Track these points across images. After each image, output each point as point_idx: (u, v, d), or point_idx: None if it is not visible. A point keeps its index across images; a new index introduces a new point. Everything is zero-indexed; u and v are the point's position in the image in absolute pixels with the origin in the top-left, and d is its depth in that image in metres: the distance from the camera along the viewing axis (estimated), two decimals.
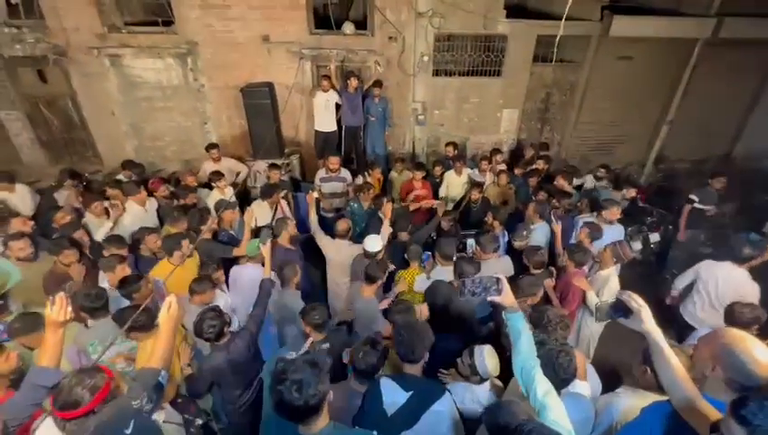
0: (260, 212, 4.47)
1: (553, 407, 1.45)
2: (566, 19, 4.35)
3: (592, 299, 3.06)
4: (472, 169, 5.71)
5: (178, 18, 5.61)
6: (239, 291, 3.46)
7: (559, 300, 3.32)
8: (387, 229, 3.71)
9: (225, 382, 2.51)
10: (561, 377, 1.61)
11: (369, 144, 6.33)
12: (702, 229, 5.03)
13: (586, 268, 3.40)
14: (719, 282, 3.29)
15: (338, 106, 5.96)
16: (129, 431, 1.18)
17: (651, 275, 5.18)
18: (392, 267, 3.48)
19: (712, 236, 4.85)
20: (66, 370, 1.84)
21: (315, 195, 4.13)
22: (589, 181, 5.57)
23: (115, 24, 5.68)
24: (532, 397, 1.51)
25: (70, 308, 1.67)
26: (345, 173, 5.30)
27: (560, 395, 1.69)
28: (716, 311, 3.21)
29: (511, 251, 3.93)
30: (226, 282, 3.53)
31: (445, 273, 3.26)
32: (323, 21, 5.93)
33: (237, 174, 5.76)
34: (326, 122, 6.01)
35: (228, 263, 3.62)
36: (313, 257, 4.26)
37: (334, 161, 5.10)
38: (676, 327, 3.65)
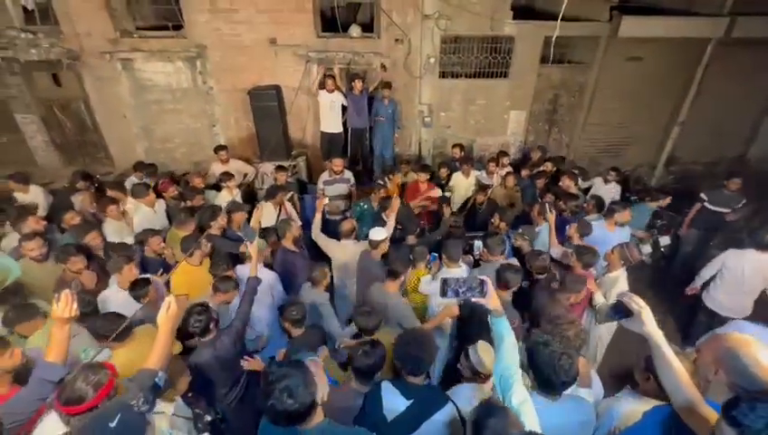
0: (264, 213, 4.52)
1: (528, 416, 1.44)
2: (574, 20, 4.35)
3: (599, 301, 3.02)
4: (479, 171, 5.68)
5: (188, 22, 5.71)
6: (242, 289, 3.49)
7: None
8: (391, 223, 3.71)
9: (213, 378, 2.54)
10: (561, 380, 1.59)
11: (378, 146, 6.34)
12: (712, 231, 4.93)
13: (593, 270, 3.35)
14: (745, 269, 3.49)
15: (344, 108, 6.00)
16: (113, 425, 1.20)
17: (662, 278, 5.09)
18: None
19: (724, 240, 4.74)
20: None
21: (325, 201, 4.15)
22: (597, 184, 5.50)
23: (127, 29, 5.81)
24: (507, 403, 1.51)
25: (75, 305, 1.71)
26: (348, 174, 5.31)
27: (560, 397, 1.68)
28: (744, 296, 3.60)
29: (518, 254, 3.90)
30: None
31: (450, 275, 3.25)
32: (330, 24, 5.98)
33: (245, 175, 5.83)
34: (331, 124, 6.05)
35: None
36: (319, 260, 4.27)
37: (338, 163, 5.12)
38: (700, 316, 3.83)
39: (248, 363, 2.61)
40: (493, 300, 1.60)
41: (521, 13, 6.02)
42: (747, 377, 1.32)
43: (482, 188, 4.92)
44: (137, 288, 2.88)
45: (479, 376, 2.21)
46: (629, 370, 2.16)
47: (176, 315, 1.78)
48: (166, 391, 2.06)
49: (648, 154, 7.50)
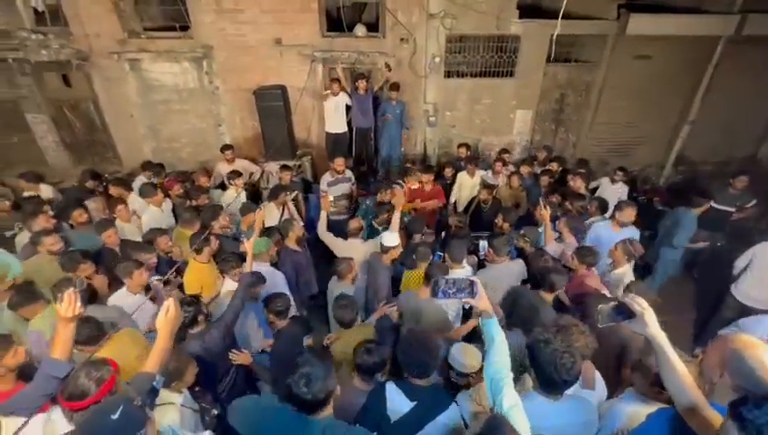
0: (267, 213, 4.54)
1: (518, 421, 1.42)
2: (581, 18, 4.31)
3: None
4: (485, 170, 5.66)
5: (194, 23, 5.76)
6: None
7: (572, 302, 3.25)
8: (397, 219, 3.70)
9: (202, 371, 2.55)
10: (563, 378, 1.57)
11: (385, 146, 6.33)
12: (718, 230, 4.86)
13: (594, 269, 3.31)
14: None
15: (348, 108, 6.00)
16: (115, 417, 1.22)
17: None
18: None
19: (731, 241, 4.67)
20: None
21: (331, 198, 4.16)
22: (604, 184, 5.43)
23: (134, 30, 5.87)
24: (497, 406, 1.49)
25: (79, 304, 1.73)
26: (349, 173, 5.33)
27: (561, 397, 1.66)
28: None
29: (522, 255, 3.87)
30: None
31: (452, 276, 3.24)
32: (335, 23, 5.99)
33: (251, 175, 5.86)
34: (336, 124, 6.06)
35: None
36: (322, 260, 4.29)
37: (340, 162, 5.13)
38: (725, 313, 3.83)
39: (236, 357, 2.64)
40: (482, 301, 1.59)
41: (527, 11, 5.98)
42: (753, 380, 1.29)
43: (487, 187, 4.89)
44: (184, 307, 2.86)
45: (469, 377, 2.20)
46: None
47: (174, 319, 1.77)
48: (174, 382, 2.09)
49: (656, 154, 7.40)
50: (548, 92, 6.73)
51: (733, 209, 4.79)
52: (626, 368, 2.20)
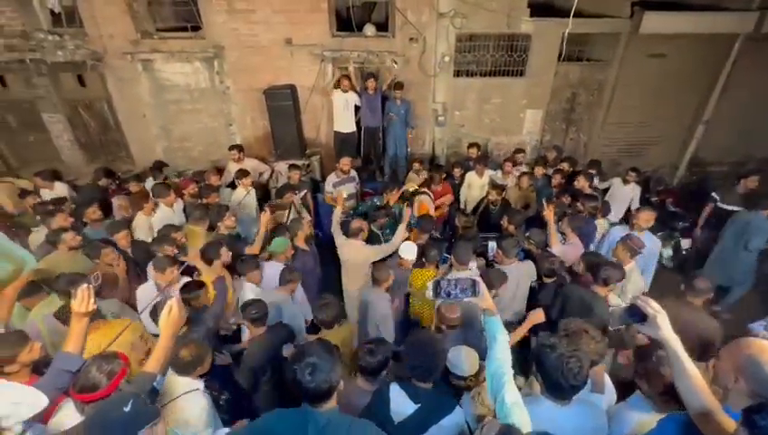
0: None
1: (519, 418, 1.41)
2: (594, 16, 4.24)
3: (614, 301, 2.95)
4: (494, 170, 5.62)
5: (206, 23, 5.82)
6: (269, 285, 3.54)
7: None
8: (402, 232, 3.70)
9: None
10: (570, 384, 1.55)
11: (391, 146, 6.33)
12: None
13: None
14: None
15: (357, 107, 6.01)
16: (127, 409, 1.24)
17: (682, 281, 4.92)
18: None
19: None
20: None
21: (345, 194, 4.15)
22: (616, 184, 5.36)
23: (147, 31, 5.96)
24: (499, 404, 1.48)
25: (92, 299, 1.76)
26: (354, 173, 5.34)
27: (569, 402, 1.64)
28: None
29: (530, 256, 3.83)
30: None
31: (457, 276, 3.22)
32: (345, 23, 6.00)
33: (261, 174, 5.91)
34: (345, 123, 6.07)
35: None
36: (332, 259, 4.30)
37: (345, 162, 5.14)
38: None
39: (218, 359, 2.66)
40: (485, 300, 1.59)
41: (538, 10, 5.91)
42: None
43: (496, 187, 4.86)
44: (187, 292, 2.86)
45: (467, 380, 2.19)
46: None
47: (177, 320, 1.76)
48: (195, 369, 2.13)
49: (670, 154, 7.27)
50: (559, 92, 6.66)
51: (740, 209, 4.68)
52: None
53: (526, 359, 1.96)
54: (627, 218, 5.25)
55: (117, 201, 4.75)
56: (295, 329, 3.03)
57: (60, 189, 5.05)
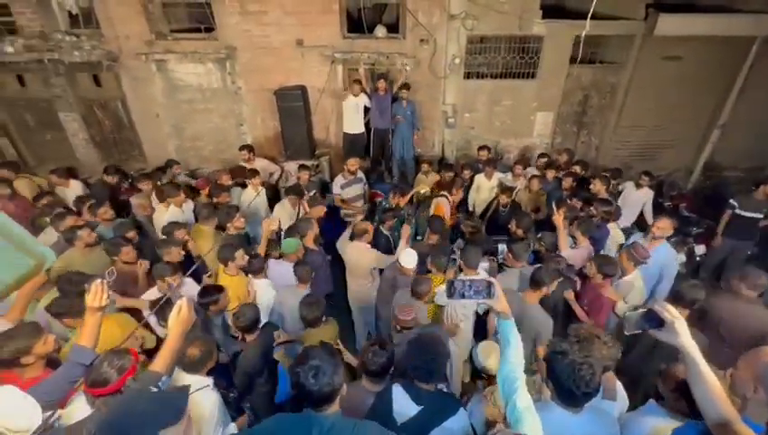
0: (283, 213, 4.59)
1: (530, 424, 1.39)
2: (608, 18, 4.20)
3: (623, 309, 2.90)
4: (504, 173, 5.58)
5: (219, 25, 5.89)
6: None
7: (586, 312, 3.17)
8: (403, 247, 3.66)
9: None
10: (582, 391, 1.52)
11: (398, 147, 6.33)
12: (747, 238, 4.65)
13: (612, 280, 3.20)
14: None
15: (366, 109, 6.02)
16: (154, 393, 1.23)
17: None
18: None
19: (763, 250, 4.46)
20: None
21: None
22: (629, 188, 5.27)
23: (162, 32, 6.05)
24: (510, 408, 1.46)
25: (106, 295, 1.78)
26: (361, 174, 5.35)
27: (581, 410, 1.61)
28: None
29: (540, 258, 3.80)
30: None
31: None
32: (356, 25, 6.02)
33: (271, 174, 5.94)
34: (354, 125, 6.09)
35: None
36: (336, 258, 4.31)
37: (353, 163, 5.15)
38: None
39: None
40: (500, 302, 1.56)
41: (550, 12, 5.87)
42: None
43: (506, 190, 4.81)
44: (206, 296, 2.87)
45: (485, 377, 2.18)
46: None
47: (186, 320, 1.73)
48: (205, 365, 2.14)
49: (684, 158, 7.14)
50: (570, 94, 6.59)
51: (761, 216, 4.58)
52: None
53: None
54: (639, 223, 5.19)
55: (136, 200, 4.79)
56: None
57: (75, 187, 5.14)
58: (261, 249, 3.75)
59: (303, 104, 5.92)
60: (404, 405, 1.87)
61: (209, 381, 2.12)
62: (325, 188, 5.89)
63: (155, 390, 1.44)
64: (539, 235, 3.77)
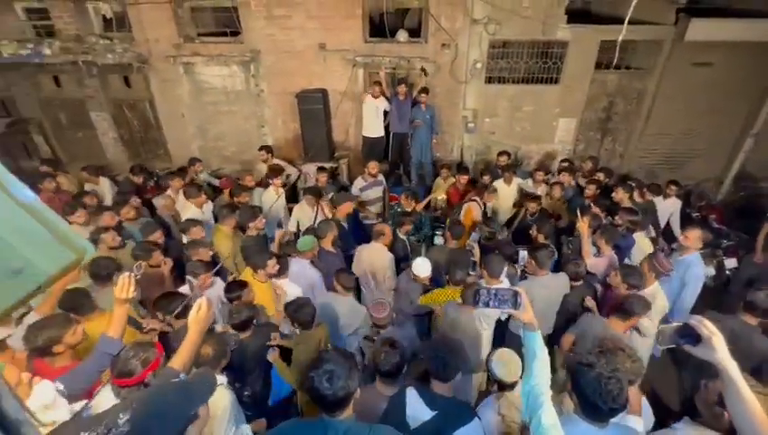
0: (302, 214, 4.64)
1: None
2: (636, 23, 4.11)
3: (646, 325, 2.80)
4: (523, 178, 5.50)
5: (245, 28, 6.03)
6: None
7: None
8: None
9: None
10: (609, 406, 1.47)
11: (416, 151, 6.32)
12: None
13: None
14: None
15: (386, 113, 6.04)
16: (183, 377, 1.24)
17: (727, 302, 4.63)
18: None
19: None
20: None
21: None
22: (656, 199, 5.09)
23: (190, 35, 6.24)
24: (535, 424, 1.41)
25: (132, 287, 1.84)
26: (381, 177, 5.36)
27: (607, 425, 1.56)
28: None
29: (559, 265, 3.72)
30: None
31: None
32: (378, 29, 6.07)
33: (287, 176, 6.01)
34: (374, 128, 6.12)
35: None
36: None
37: (373, 166, 5.17)
38: None
39: None
40: (527, 313, 1.51)
41: (575, 17, 5.78)
42: None
43: (534, 198, 4.71)
44: (231, 291, 2.94)
45: (505, 387, 2.14)
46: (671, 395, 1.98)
47: (206, 318, 1.71)
48: (220, 363, 2.17)
49: (713, 168, 6.88)
50: (595, 100, 6.45)
51: None
52: None
53: None
54: (665, 234, 5.02)
55: (161, 201, 4.92)
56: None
57: (104, 184, 5.34)
58: (275, 248, 3.81)
59: (324, 107, 5.99)
60: (417, 409, 1.85)
61: (223, 379, 2.14)
62: (343, 190, 5.92)
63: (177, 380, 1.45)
64: (569, 239, 3.70)
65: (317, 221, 4.49)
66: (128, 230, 4.00)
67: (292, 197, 5.90)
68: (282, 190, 4.98)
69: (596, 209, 4.31)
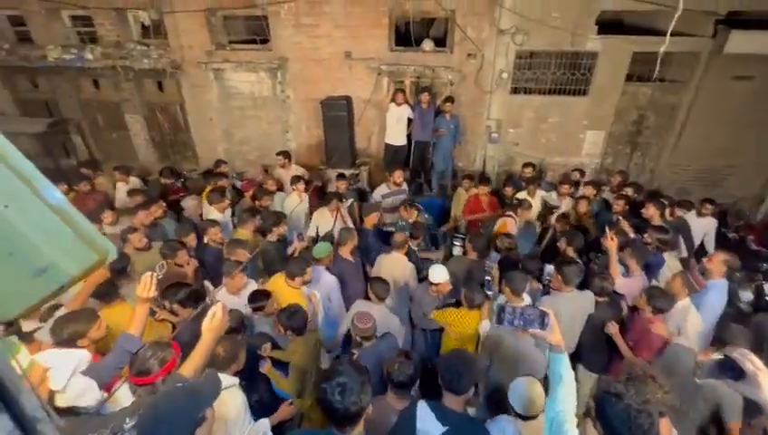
0: (321, 220, 4.66)
1: None
2: (672, 34, 3.98)
3: (680, 340, 2.64)
4: (547, 191, 5.36)
5: (273, 36, 6.19)
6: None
7: (630, 347, 2.90)
8: None
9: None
10: None
11: (438, 160, 6.28)
12: None
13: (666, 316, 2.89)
14: None
15: (409, 121, 6.04)
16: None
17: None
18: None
19: None
20: None
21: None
22: (689, 217, 4.85)
23: (221, 42, 6.45)
24: None
25: (154, 287, 1.88)
26: (405, 186, 5.34)
27: None
28: None
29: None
30: None
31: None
32: (403, 38, 6.10)
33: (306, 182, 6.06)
34: (397, 136, 6.12)
35: None
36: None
37: (398, 175, 5.14)
38: None
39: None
40: (554, 335, 1.44)
41: (606, 27, 5.64)
42: None
43: (562, 218, 4.56)
44: (255, 301, 2.94)
45: (526, 418, 2.05)
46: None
47: (219, 326, 1.69)
48: (230, 366, 2.16)
49: (752, 186, 6.52)
50: (625, 113, 6.26)
51: None
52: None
53: None
54: (698, 255, 4.76)
55: (190, 201, 5.04)
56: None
57: (134, 183, 5.55)
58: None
59: (347, 114, 6.05)
60: (428, 424, 1.81)
61: (235, 380, 2.13)
62: (363, 198, 5.94)
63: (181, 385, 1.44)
64: (596, 256, 3.55)
65: (336, 228, 4.51)
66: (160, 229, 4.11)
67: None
68: (305, 195, 5.02)
69: (624, 225, 4.14)
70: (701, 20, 5.45)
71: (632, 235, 3.95)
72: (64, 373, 1.54)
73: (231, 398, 2.04)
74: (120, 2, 6.23)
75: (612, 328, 2.92)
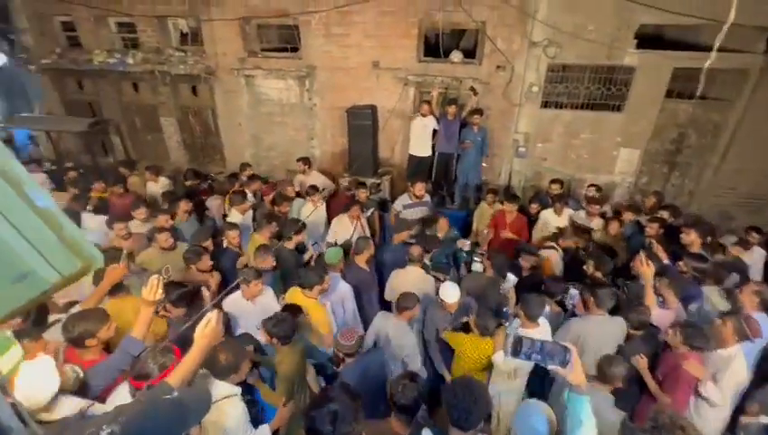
0: (340, 227, 4.63)
1: None
2: (719, 50, 3.74)
3: (713, 393, 2.37)
4: (575, 209, 5.12)
5: (304, 45, 6.31)
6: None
7: (659, 385, 2.65)
8: None
9: None
10: None
11: (463, 172, 6.14)
12: None
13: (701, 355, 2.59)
14: None
15: (434, 132, 5.96)
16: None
17: None
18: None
19: None
20: None
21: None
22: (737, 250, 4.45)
23: (254, 50, 6.63)
24: None
25: (160, 290, 1.87)
26: (428, 198, 5.24)
27: None
28: None
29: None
30: None
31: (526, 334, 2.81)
32: (432, 49, 6.06)
33: (323, 189, 6.06)
34: (421, 147, 6.04)
35: None
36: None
37: (420, 188, 5.03)
38: None
39: None
40: (576, 374, 1.31)
41: (645, 42, 5.38)
42: None
43: (584, 232, 4.32)
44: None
45: None
46: None
47: (213, 334, 1.65)
48: (231, 375, 2.11)
49: None
50: (663, 131, 5.92)
51: None
52: None
53: None
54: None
55: (214, 201, 5.13)
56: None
57: (163, 183, 5.74)
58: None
59: (372, 123, 6.05)
60: None
61: (237, 390, 2.08)
62: (384, 207, 5.88)
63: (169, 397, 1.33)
64: (626, 283, 3.31)
65: (354, 236, 4.47)
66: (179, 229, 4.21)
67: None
68: (321, 204, 5.02)
69: (658, 249, 3.85)
70: (751, 35, 5.11)
71: (666, 261, 3.66)
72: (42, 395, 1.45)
73: (231, 407, 2.00)
74: (162, 10, 6.54)
75: (641, 362, 2.67)
